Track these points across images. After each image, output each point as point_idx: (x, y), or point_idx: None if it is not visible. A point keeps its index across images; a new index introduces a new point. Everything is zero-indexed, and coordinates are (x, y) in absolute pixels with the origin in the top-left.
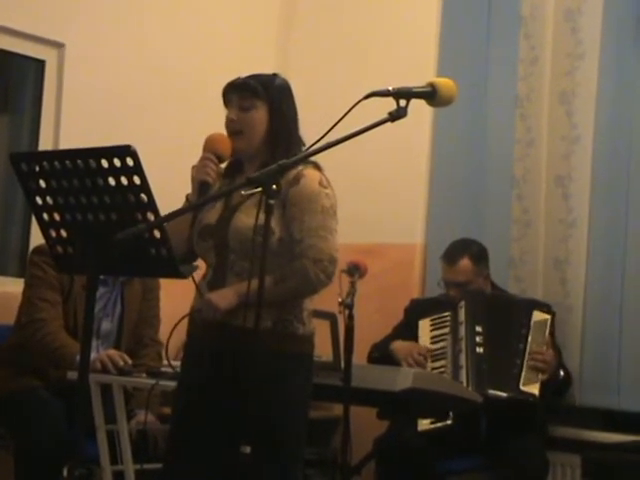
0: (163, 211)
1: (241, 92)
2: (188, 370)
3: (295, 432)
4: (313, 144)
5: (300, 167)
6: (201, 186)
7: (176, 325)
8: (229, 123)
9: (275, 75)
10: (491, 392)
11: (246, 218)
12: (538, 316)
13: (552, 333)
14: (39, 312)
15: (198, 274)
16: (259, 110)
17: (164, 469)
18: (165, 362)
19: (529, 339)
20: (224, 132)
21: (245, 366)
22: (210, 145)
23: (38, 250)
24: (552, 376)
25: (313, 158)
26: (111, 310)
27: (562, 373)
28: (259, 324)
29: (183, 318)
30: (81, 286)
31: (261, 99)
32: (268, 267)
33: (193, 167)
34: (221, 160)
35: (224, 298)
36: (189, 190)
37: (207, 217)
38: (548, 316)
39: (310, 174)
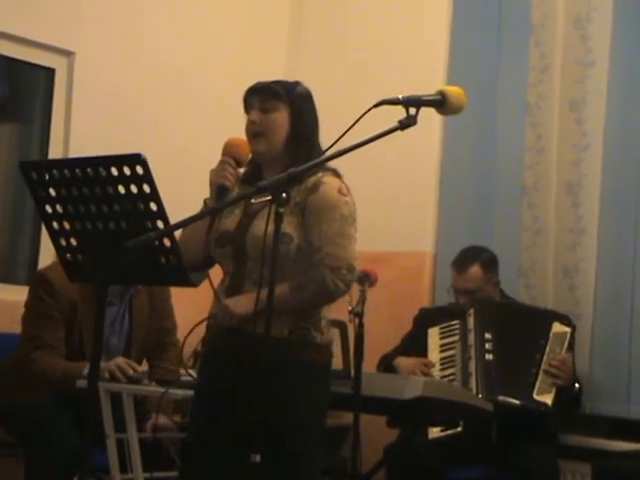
0: (173, 219)
1: (263, 94)
2: (205, 376)
3: (312, 442)
4: (323, 152)
5: (320, 174)
6: (219, 190)
7: (190, 331)
8: (250, 125)
9: (297, 82)
10: (501, 398)
11: (264, 225)
12: (558, 328)
13: (572, 346)
14: (34, 350)
15: (215, 281)
16: (281, 113)
17: (181, 475)
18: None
19: (547, 349)
20: (237, 137)
21: (261, 374)
22: (229, 149)
23: (39, 278)
24: (568, 385)
25: (331, 165)
26: (119, 327)
27: (577, 386)
28: (270, 332)
29: (198, 324)
30: (81, 299)
31: (283, 102)
32: (286, 274)
33: (211, 171)
34: (240, 164)
35: (241, 305)
36: (198, 198)
37: (225, 223)
38: (568, 329)
39: (330, 181)
